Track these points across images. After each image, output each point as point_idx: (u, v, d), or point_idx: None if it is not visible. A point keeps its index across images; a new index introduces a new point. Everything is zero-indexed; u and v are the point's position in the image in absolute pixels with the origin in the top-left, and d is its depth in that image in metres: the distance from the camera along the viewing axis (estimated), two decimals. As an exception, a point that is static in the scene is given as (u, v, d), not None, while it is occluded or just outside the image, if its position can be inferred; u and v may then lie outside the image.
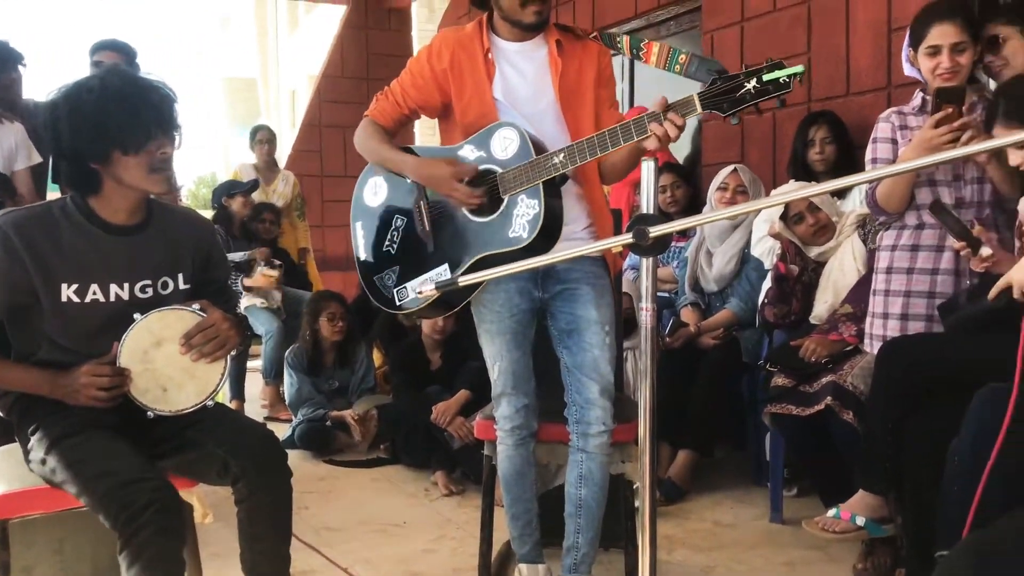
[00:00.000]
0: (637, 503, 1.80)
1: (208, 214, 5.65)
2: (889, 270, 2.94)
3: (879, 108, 3.98)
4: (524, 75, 2.55)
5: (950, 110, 2.63)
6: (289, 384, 4.96)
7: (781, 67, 2.09)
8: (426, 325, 4.45)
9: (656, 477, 1.91)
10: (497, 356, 2.58)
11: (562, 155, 2.33)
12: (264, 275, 5.54)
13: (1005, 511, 1.54)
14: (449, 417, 4.00)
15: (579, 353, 2.53)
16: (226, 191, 6.11)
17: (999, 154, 2.68)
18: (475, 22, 2.60)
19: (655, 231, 1.49)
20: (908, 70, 2.96)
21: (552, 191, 2.39)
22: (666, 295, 4.36)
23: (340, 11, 9.28)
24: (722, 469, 4.07)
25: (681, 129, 2.22)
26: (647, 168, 1.60)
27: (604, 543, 2.70)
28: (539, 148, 2.40)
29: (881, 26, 3.99)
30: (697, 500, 3.74)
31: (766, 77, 2.11)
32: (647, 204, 1.57)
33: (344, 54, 8.94)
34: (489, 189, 2.44)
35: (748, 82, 2.13)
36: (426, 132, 8.81)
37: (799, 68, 2.08)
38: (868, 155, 2.99)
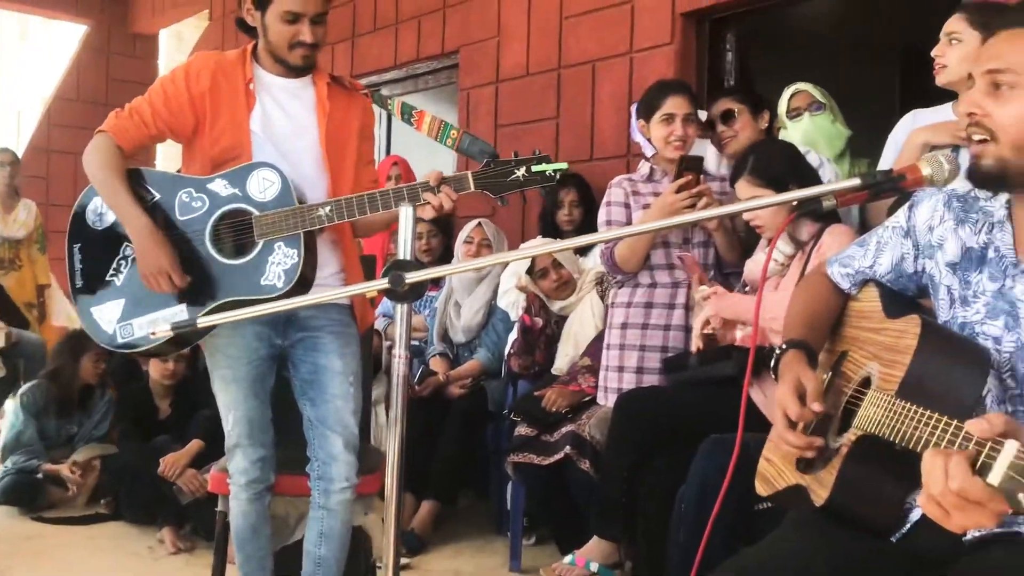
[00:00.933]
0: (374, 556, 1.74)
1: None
2: (624, 325, 3.11)
3: (620, 173, 4.27)
4: (287, 111, 2.48)
5: (690, 177, 2.89)
6: (10, 426, 4.41)
7: (548, 161, 2.27)
8: (154, 369, 4.15)
9: (400, 530, 1.87)
10: (232, 404, 2.44)
11: (329, 208, 2.28)
12: None
13: (728, 556, 1.63)
14: (179, 469, 3.74)
15: (322, 405, 2.44)
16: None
17: (725, 222, 2.95)
18: (239, 50, 2.50)
19: (411, 277, 1.47)
20: (637, 136, 3.20)
21: (310, 241, 2.33)
22: (417, 344, 4.35)
23: (80, 30, 8.63)
24: (465, 518, 4.08)
25: (455, 203, 2.28)
26: (405, 214, 1.58)
27: (343, 599, 2.61)
28: (300, 195, 2.33)
29: (622, 98, 4.27)
30: (439, 550, 3.71)
31: (534, 168, 2.26)
32: (404, 250, 1.55)
33: (81, 77, 8.31)
34: (237, 230, 2.32)
35: (518, 170, 2.26)
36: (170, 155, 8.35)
37: (563, 164, 2.28)
38: (602, 217, 3.19)
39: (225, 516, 2.57)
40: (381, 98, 2.57)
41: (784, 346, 1.62)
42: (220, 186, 2.36)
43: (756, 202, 1.51)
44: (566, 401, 3.25)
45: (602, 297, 3.60)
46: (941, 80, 2.65)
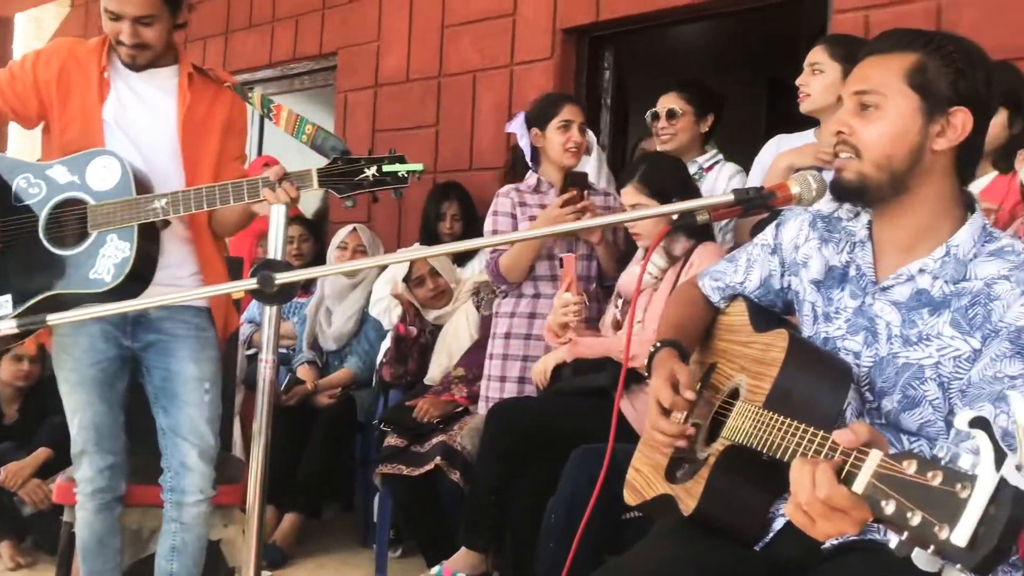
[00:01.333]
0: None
1: None
2: (507, 335, 3.12)
3: (497, 185, 4.27)
4: (144, 101, 2.37)
5: (575, 192, 2.95)
6: None
7: (403, 161, 2.17)
8: (5, 370, 3.87)
9: (263, 543, 1.80)
10: (78, 408, 2.32)
11: (165, 201, 2.17)
12: None
13: (596, 566, 1.64)
14: (21, 479, 3.49)
15: (175, 413, 2.34)
16: None
17: (607, 236, 3.01)
18: (100, 37, 2.38)
19: (281, 278, 1.41)
20: (523, 143, 3.23)
21: (149, 235, 2.21)
22: (283, 351, 4.23)
23: (-77, 8, 8.05)
24: (329, 531, 3.98)
25: (295, 200, 2.15)
26: (277, 213, 1.52)
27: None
28: (142, 185, 2.21)
29: (502, 110, 4.29)
30: (301, 564, 3.60)
31: (386, 168, 2.17)
32: (275, 250, 1.49)
33: (-77, 57, 7.75)
34: (73, 219, 2.20)
35: (368, 169, 2.16)
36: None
37: (419, 166, 2.18)
38: (488, 226, 3.19)
39: (71, 528, 2.42)
40: (242, 89, 2.47)
41: (658, 344, 1.67)
42: (59, 173, 2.24)
43: (636, 213, 1.54)
44: (438, 411, 3.22)
45: (478, 307, 3.59)
46: (805, 108, 2.78)
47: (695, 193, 2.87)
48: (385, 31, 4.82)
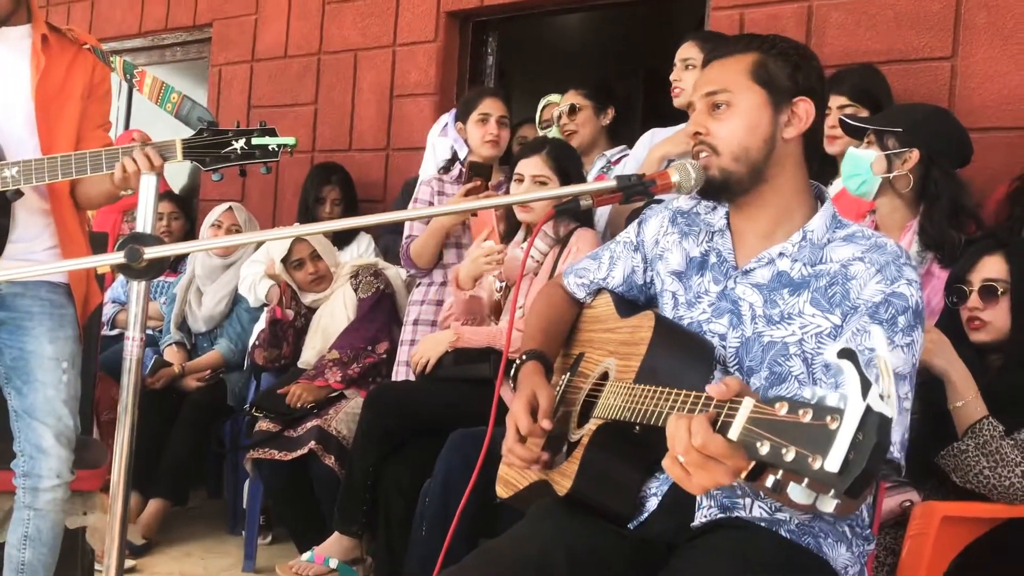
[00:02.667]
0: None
1: None
2: (416, 322, 3.17)
3: (378, 166, 4.22)
4: None
5: (479, 182, 3.00)
6: None
7: (274, 135, 2.07)
8: None
9: (126, 530, 1.72)
10: None
11: (15, 169, 2.05)
12: None
13: (471, 549, 1.64)
14: None
15: (29, 395, 2.21)
16: None
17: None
18: None
19: (151, 252, 1.34)
20: (442, 141, 3.31)
21: (3, 206, 2.09)
22: (150, 332, 4.05)
23: None
24: (195, 517, 3.86)
25: (157, 169, 2.02)
26: (147, 184, 1.45)
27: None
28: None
29: (384, 91, 4.23)
30: (165, 551, 3.48)
31: (255, 141, 2.07)
32: (144, 222, 1.42)
33: None
34: None
35: (236, 141, 2.07)
36: None
37: (291, 140, 2.08)
38: None
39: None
40: (103, 53, 2.32)
41: (524, 356, 1.69)
42: None
43: (528, 195, 1.56)
44: (312, 396, 3.17)
45: (356, 290, 3.53)
46: (679, 102, 2.87)
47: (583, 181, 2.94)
48: (264, 4, 4.68)
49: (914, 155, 2.30)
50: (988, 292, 2.08)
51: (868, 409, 0.92)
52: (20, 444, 2.21)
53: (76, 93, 2.29)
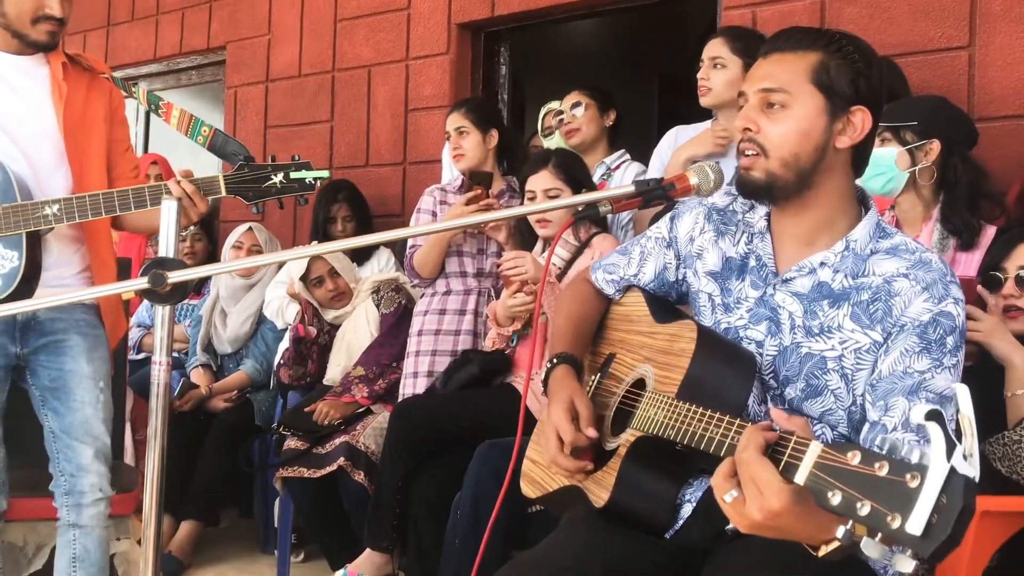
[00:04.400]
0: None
1: None
2: (420, 332, 3.15)
3: (396, 181, 4.23)
4: (18, 91, 2.24)
5: (479, 191, 2.99)
6: None
7: (309, 168, 2.15)
8: None
9: (160, 553, 1.72)
10: None
11: (57, 207, 2.08)
12: None
13: (504, 561, 1.63)
14: None
15: (68, 414, 2.23)
16: None
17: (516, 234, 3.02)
18: None
19: (174, 277, 1.35)
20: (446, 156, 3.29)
21: (35, 241, 2.12)
22: (176, 355, 4.08)
23: None
24: (228, 538, 3.87)
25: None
26: (168, 209, 1.46)
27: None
28: (23, 190, 2.12)
29: (399, 105, 4.24)
30: (199, 572, 3.50)
31: (293, 175, 2.14)
32: (167, 247, 1.43)
33: None
34: None
35: (275, 175, 2.13)
36: None
37: (325, 172, 2.17)
38: (412, 222, 3.27)
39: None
40: (124, 84, 2.36)
41: (554, 360, 1.65)
42: None
43: (542, 205, 1.55)
44: (339, 412, 3.17)
45: (378, 305, 3.54)
46: (706, 101, 2.81)
47: (595, 189, 2.92)
48: (276, 24, 4.71)
49: (935, 146, 2.29)
50: None
51: (953, 470, 0.89)
52: (59, 464, 2.24)
53: (99, 118, 2.32)
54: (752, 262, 1.57)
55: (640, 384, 1.56)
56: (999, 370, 1.96)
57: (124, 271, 2.65)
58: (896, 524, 0.90)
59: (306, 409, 3.24)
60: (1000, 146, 2.57)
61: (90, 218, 2.10)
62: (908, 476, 0.91)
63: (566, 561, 1.43)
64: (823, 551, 1.07)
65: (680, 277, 1.69)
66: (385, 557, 2.82)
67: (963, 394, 0.98)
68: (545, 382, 1.64)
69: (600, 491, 1.49)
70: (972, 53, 2.89)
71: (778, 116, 1.45)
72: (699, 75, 2.79)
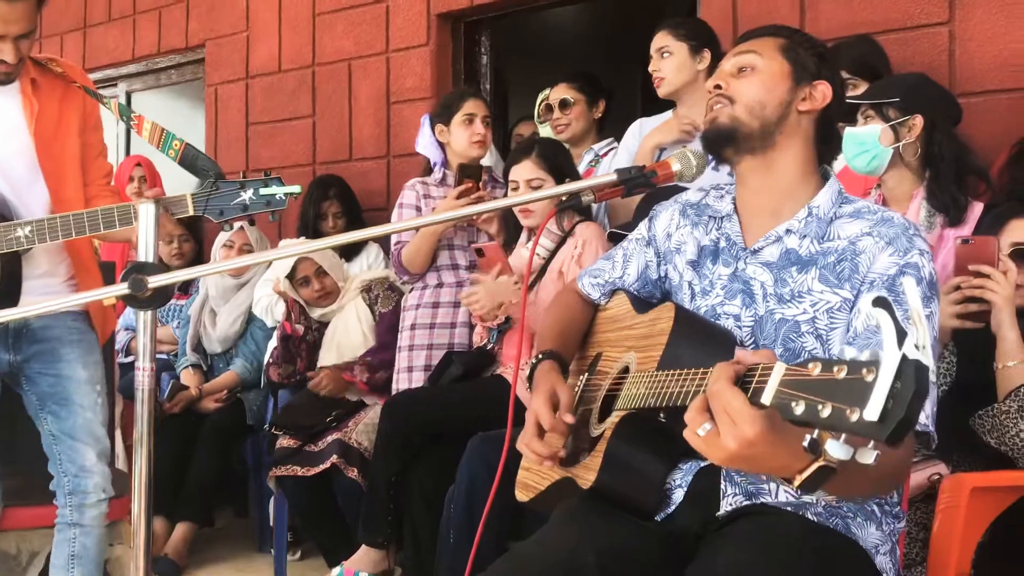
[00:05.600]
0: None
1: None
2: (413, 327, 3.13)
3: (380, 174, 4.21)
4: None
5: (470, 184, 2.98)
6: None
7: (280, 183, 2.13)
8: None
9: (151, 556, 1.72)
10: None
11: (28, 229, 2.08)
12: None
13: (499, 554, 1.63)
14: None
15: (69, 417, 2.25)
16: None
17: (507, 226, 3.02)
18: None
19: (155, 281, 1.34)
20: (425, 147, 3.21)
21: (15, 257, 2.12)
22: (165, 357, 4.06)
23: None
24: (223, 538, 3.87)
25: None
26: (146, 212, 1.44)
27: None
28: (2, 206, 2.12)
29: (380, 98, 4.22)
30: (196, 573, 3.49)
31: (263, 191, 2.11)
32: (146, 251, 1.41)
33: None
34: None
35: (244, 192, 2.11)
36: None
37: (296, 188, 2.14)
38: (394, 218, 3.22)
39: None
40: (96, 92, 2.34)
41: (540, 356, 1.68)
42: None
43: (530, 195, 1.56)
44: (334, 385, 3.18)
45: (373, 305, 3.52)
46: (663, 91, 2.85)
47: (579, 178, 2.91)
48: (254, 21, 4.67)
49: (918, 121, 2.30)
50: (1020, 256, 2.06)
51: (904, 358, 0.91)
52: (62, 466, 2.25)
53: (73, 129, 2.31)
54: (723, 243, 1.62)
55: (626, 372, 1.57)
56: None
57: (108, 275, 2.64)
58: (855, 417, 0.92)
59: (309, 374, 3.29)
60: (982, 121, 2.57)
61: (60, 239, 2.10)
62: (864, 371, 0.94)
63: (560, 553, 1.43)
64: (798, 480, 1.09)
65: (662, 274, 1.74)
66: (382, 553, 2.83)
67: (910, 287, 1.01)
68: (530, 378, 1.67)
69: (588, 474, 1.50)
70: (952, 29, 2.89)
71: (747, 75, 1.56)
72: (650, 68, 2.85)
